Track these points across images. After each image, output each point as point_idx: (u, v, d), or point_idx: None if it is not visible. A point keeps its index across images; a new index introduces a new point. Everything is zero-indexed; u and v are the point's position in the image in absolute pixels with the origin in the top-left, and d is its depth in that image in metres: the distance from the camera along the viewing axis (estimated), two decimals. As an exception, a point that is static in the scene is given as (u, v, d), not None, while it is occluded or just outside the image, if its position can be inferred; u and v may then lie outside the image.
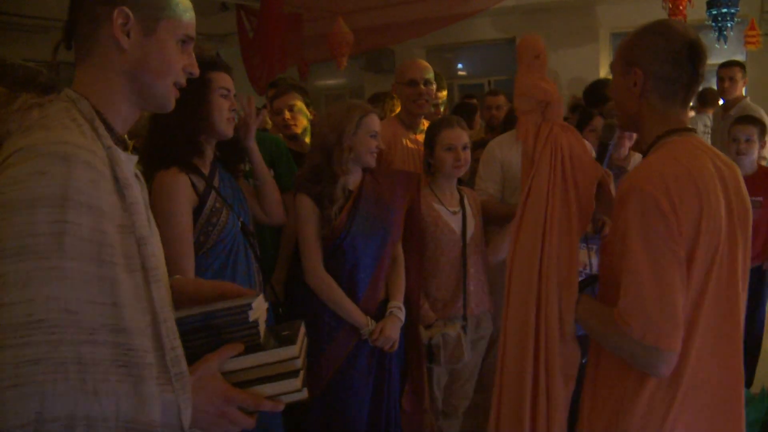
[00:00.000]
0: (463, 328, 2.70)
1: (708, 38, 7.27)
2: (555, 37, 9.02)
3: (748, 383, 3.56)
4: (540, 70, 1.57)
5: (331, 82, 11.39)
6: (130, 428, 1.00)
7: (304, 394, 1.24)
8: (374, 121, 2.50)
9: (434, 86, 3.16)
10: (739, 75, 4.88)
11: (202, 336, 1.22)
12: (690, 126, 1.64)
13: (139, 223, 1.10)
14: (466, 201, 2.84)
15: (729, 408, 1.61)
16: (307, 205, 2.44)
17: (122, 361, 0.99)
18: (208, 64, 2.11)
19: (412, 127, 3.22)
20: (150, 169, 2.11)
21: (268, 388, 1.20)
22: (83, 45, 1.19)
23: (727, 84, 4.85)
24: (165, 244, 1.96)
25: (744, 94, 4.99)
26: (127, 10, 1.16)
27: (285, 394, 1.22)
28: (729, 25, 6.15)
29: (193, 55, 1.27)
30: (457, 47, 10.08)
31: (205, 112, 2.11)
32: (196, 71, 1.27)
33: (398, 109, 5.37)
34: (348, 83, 11.26)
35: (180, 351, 1.09)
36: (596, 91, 3.83)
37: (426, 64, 3.21)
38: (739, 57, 7.98)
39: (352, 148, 2.43)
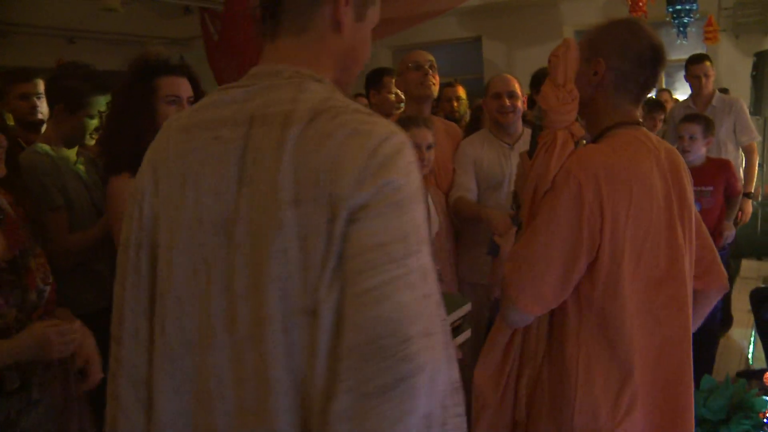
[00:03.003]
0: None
1: (669, 34, 7.43)
2: (520, 35, 9.12)
3: (709, 369, 3.64)
4: None
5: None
6: (456, 387, 1.08)
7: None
8: None
9: (519, 98, 3.12)
10: (711, 70, 4.82)
11: None
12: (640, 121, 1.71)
13: None
14: (429, 199, 2.83)
15: (676, 393, 1.66)
16: None
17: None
18: (156, 69, 2.09)
19: (499, 136, 3.18)
20: (105, 173, 2.12)
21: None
22: (296, 18, 1.13)
23: (703, 81, 4.76)
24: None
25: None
26: None
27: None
28: (686, 21, 6.28)
29: None
30: (423, 47, 10.10)
31: (150, 121, 2.05)
32: (368, 58, 1.26)
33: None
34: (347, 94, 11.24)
35: None
36: (541, 78, 4.11)
37: (509, 78, 3.14)
38: (700, 52, 8.16)
39: None
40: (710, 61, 4.87)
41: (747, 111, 4.83)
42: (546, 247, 1.53)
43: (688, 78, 4.88)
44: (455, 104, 4.60)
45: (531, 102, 3.71)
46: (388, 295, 0.94)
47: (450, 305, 1.41)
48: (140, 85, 2.09)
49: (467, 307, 1.50)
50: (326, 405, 0.96)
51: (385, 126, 1.02)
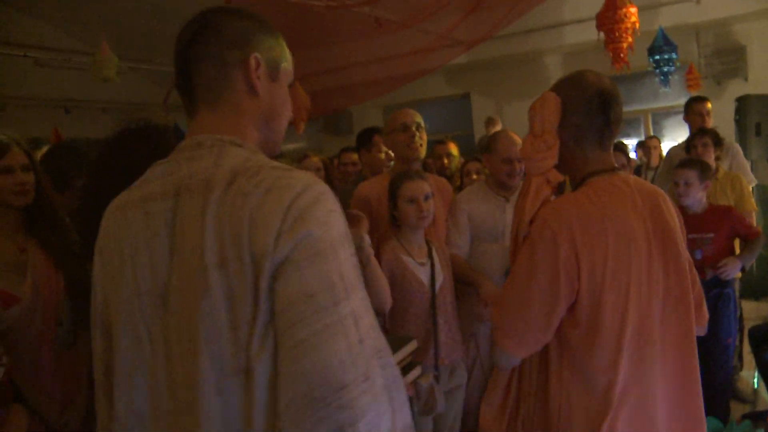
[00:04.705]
0: (436, 378, 2.71)
1: (652, 83, 7.60)
2: (508, 90, 9.31)
3: (724, 420, 3.47)
4: None
5: (290, 145, 11.49)
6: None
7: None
8: None
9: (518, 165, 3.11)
10: (711, 112, 4.83)
11: None
12: (615, 166, 1.75)
13: None
14: (434, 252, 2.87)
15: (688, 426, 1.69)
16: None
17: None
18: (174, 133, 2.08)
19: (495, 190, 3.22)
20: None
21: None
22: (209, 91, 1.18)
23: (707, 120, 4.77)
24: None
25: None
26: (258, 56, 1.17)
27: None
28: (666, 69, 6.43)
29: None
30: (413, 104, 10.31)
31: None
32: (291, 115, 1.29)
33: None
34: (307, 146, 11.38)
35: None
36: None
37: (517, 140, 3.11)
38: (683, 100, 8.36)
39: None
40: (710, 103, 4.91)
41: (742, 155, 4.89)
42: (525, 293, 1.60)
43: (689, 117, 4.88)
44: (446, 161, 4.60)
45: None
46: (320, 344, 0.94)
47: (394, 345, 1.44)
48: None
49: (413, 345, 1.58)
50: None
51: (302, 179, 1.05)
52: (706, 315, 1.86)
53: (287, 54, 1.26)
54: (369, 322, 1.02)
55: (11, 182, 2.11)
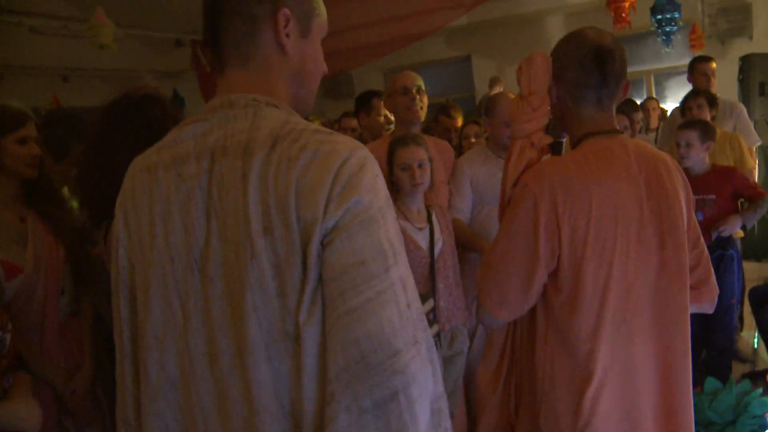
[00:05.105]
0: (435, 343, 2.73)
1: (655, 43, 7.51)
2: (509, 52, 9.17)
3: (724, 381, 3.46)
4: None
5: (292, 110, 11.41)
6: (441, 397, 1.07)
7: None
8: None
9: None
10: (715, 72, 4.78)
11: None
12: (616, 127, 1.68)
13: None
14: (434, 217, 2.86)
15: (673, 393, 1.65)
16: None
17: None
18: (174, 101, 2.08)
19: (497, 152, 3.25)
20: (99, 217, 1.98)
21: None
22: (238, 49, 1.14)
23: (712, 80, 4.72)
24: None
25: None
26: (288, 11, 1.12)
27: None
28: (668, 29, 6.35)
29: None
30: (414, 67, 10.21)
31: None
32: (326, 69, 1.25)
33: None
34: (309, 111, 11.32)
35: None
36: None
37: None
38: (686, 60, 8.26)
39: None
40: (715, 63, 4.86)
41: (747, 115, 4.83)
42: (506, 255, 1.58)
43: (694, 77, 4.82)
44: (453, 136, 4.51)
45: None
46: (373, 311, 0.95)
47: None
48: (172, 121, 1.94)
49: (430, 303, 1.63)
50: (325, 427, 0.96)
51: (346, 144, 1.03)
52: (715, 290, 1.79)
53: (321, 6, 1.20)
54: (413, 285, 1.03)
55: (26, 153, 2.14)
